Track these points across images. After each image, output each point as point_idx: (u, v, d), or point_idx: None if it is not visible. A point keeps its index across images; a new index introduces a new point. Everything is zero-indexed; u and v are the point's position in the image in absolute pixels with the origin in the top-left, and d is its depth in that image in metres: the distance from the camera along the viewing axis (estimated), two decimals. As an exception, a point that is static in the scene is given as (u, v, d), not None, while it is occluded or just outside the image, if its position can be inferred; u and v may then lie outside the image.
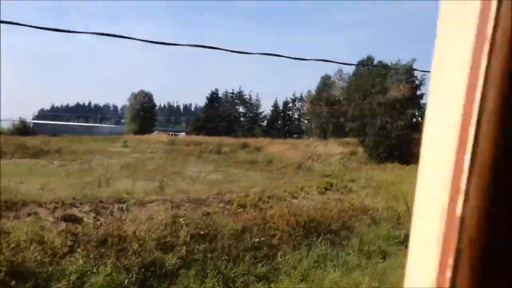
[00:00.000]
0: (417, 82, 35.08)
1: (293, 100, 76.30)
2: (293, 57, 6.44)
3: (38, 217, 9.12)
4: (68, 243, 6.98)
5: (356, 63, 45.17)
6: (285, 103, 75.93)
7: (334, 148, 34.98)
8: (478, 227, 0.58)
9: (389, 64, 38.76)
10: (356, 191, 14.81)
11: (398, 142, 28.81)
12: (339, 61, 38.74)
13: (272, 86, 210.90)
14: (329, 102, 55.71)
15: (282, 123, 75.12)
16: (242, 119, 76.51)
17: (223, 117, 71.80)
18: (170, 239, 7.52)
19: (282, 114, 75.78)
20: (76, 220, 9.10)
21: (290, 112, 76.29)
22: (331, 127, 55.21)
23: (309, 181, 16.84)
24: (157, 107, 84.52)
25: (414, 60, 36.12)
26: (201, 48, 5.49)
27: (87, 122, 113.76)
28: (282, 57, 6.21)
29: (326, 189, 14.95)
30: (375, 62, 45.41)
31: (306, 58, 6.62)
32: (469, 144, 0.59)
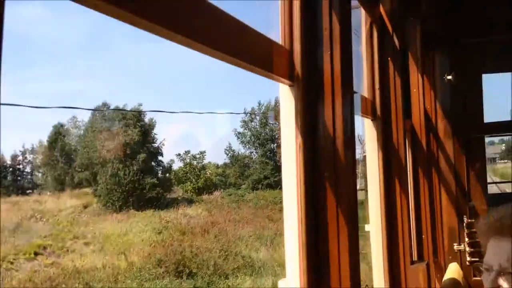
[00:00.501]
0: (146, 126, 35.41)
1: (23, 153, 68.96)
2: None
3: None
4: None
5: (92, 109, 43.46)
6: (14, 156, 67.99)
7: (67, 201, 32.39)
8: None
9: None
10: (77, 250, 13.59)
11: (131, 188, 28.45)
12: (75, 107, 36.79)
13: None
14: (64, 151, 52.18)
15: (12, 178, 66.79)
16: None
17: None
18: None
19: (11, 168, 67.51)
20: None
21: (21, 166, 68.52)
22: (68, 179, 51.60)
23: (18, 247, 14.47)
24: None
25: (140, 104, 36.45)
26: None
27: None
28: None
29: (37, 253, 13.22)
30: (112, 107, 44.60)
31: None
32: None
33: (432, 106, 3.44)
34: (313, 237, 1.14)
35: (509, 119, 3.83)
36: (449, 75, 3.35)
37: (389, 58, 1.97)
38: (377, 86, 1.97)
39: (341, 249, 1.14)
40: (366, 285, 1.65)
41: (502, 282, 1.16)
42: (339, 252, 1.14)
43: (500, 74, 3.93)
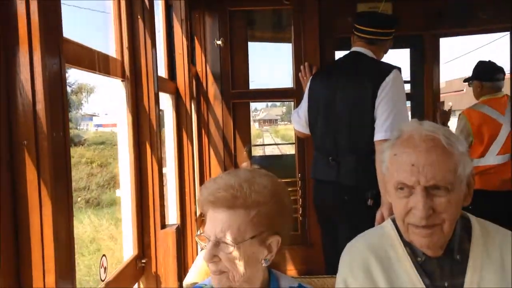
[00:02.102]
0: None
1: None
2: None
3: None
4: None
5: None
6: None
7: None
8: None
9: None
10: None
11: None
12: None
13: None
14: None
15: None
16: None
17: None
18: None
19: None
20: None
21: None
22: None
23: None
24: None
25: None
26: None
27: None
28: None
29: None
30: None
31: None
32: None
33: (203, 69, 3.50)
34: (10, 214, 1.00)
35: (268, 87, 4.13)
36: (219, 40, 3.43)
37: (138, 17, 1.87)
38: (125, 45, 1.86)
39: (44, 224, 1.02)
40: (104, 255, 1.58)
41: (217, 251, 1.20)
42: (42, 228, 1.02)
43: (263, 43, 4.20)
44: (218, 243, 1.20)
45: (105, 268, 1.56)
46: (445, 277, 1.27)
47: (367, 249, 1.34)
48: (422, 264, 1.28)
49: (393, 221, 1.38)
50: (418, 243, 1.25)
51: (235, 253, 1.20)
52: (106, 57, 1.69)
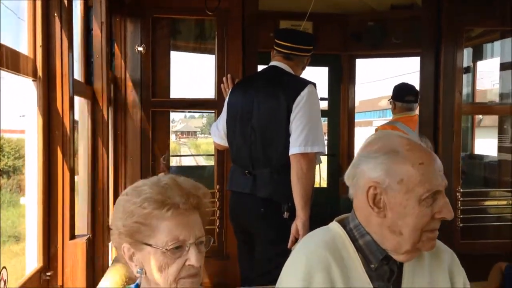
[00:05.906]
0: None
1: None
2: None
3: None
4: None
5: None
6: None
7: None
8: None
9: None
10: None
11: None
12: None
13: None
14: None
15: None
16: None
17: None
18: None
19: None
20: None
21: None
22: None
23: None
24: None
25: None
26: None
27: None
28: None
29: None
30: None
31: None
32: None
33: (122, 75, 3.39)
34: None
35: (191, 97, 4.11)
36: (140, 46, 3.35)
37: (55, 14, 1.78)
38: (39, 43, 1.75)
39: None
40: (4, 267, 1.45)
41: (191, 252, 1.16)
42: None
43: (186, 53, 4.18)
44: (196, 244, 1.18)
45: (5, 282, 1.44)
46: (391, 280, 1.29)
47: (324, 247, 1.28)
48: (375, 270, 1.28)
49: (340, 223, 1.35)
50: (429, 247, 1.25)
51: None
52: (16, 53, 1.58)
